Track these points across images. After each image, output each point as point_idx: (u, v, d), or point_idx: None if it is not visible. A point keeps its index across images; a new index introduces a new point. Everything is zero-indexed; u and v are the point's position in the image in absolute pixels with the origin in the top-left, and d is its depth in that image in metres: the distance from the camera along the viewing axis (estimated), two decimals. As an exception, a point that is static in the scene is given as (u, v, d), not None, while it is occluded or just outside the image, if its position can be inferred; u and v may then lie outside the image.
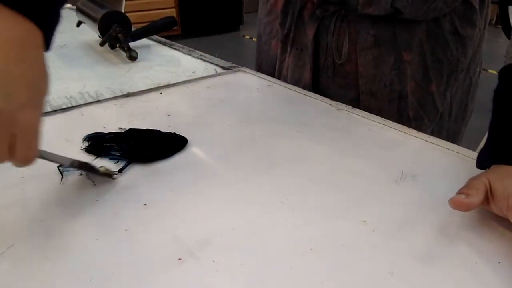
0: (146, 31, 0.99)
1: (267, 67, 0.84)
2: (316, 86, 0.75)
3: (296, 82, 0.77)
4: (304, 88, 0.76)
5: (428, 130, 0.73)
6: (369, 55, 0.68)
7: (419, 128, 0.69)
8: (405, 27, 0.66)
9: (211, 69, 0.83)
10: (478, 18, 0.68)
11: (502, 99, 0.45)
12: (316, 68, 0.74)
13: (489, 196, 0.39)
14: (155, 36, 1.07)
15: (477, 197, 0.38)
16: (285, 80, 0.79)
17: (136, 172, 0.48)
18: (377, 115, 0.68)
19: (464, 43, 0.68)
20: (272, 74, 0.82)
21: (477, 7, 0.67)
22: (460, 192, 0.39)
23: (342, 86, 0.73)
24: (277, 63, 0.81)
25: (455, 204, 0.38)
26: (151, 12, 3.94)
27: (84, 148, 0.53)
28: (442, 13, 0.65)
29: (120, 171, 0.48)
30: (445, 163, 0.51)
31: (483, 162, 0.44)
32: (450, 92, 0.72)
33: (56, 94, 0.70)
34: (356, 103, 0.72)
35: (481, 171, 0.43)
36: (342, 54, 0.70)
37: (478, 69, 0.75)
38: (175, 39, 0.91)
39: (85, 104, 0.66)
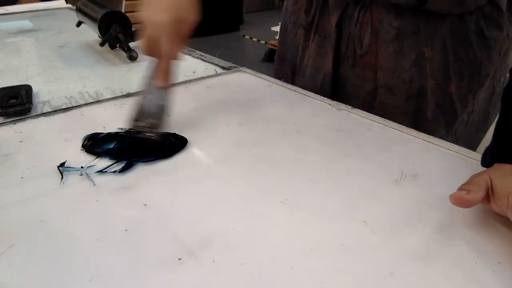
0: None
1: (292, 56, 0.83)
2: (336, 75, 0.75)
3: (317, 70, 0.76)
4: (324, 77, 0.75)
5: (448, 136, 0.70)
6: (390, 48, 0.67)
7: (435, 130, 0.68)
8: (429, 21, 0.64)
9: (211, 69, 0.83)
10: (506, 22, 0.66)
11: (509, 97, 0.45)
12: (337, 57, 0.74)
13: (490, 194, 0.39)
14: (155, 36, 1.06)
15: (478, 194, 0.38)
16: (305, 69, 0.79)
17: (136, 172, 0.48)
18: (392, 112, 0.66)
19: (488, 45, 0.66)
20: (296, 64, 0.82)
21: (505, 11, 0.66)
22: (461, 188, 0.39)
23: (360, 78, 0.72)
24: (300, 51, 0.80)
25: (456, 200, 0.38)
26: (151, 12, 3.93)
27: (84, 148, 0.53)
28: (469, 10, 0.63)
29: (121, 171, 0.48)
30: (445, 163, 0.51)
31: (486, 160, 0.44)
32: (474, 98, 0.70)
33: (56, 94, 0.70)
34: (373, 96, 0.71)
35: (485, 169, 0.42)
36: (363, 45, 0.69)
37: (503, 79, 0.73)
38: (175, 39, 0.91)
39: (85, 104, 0.66)
